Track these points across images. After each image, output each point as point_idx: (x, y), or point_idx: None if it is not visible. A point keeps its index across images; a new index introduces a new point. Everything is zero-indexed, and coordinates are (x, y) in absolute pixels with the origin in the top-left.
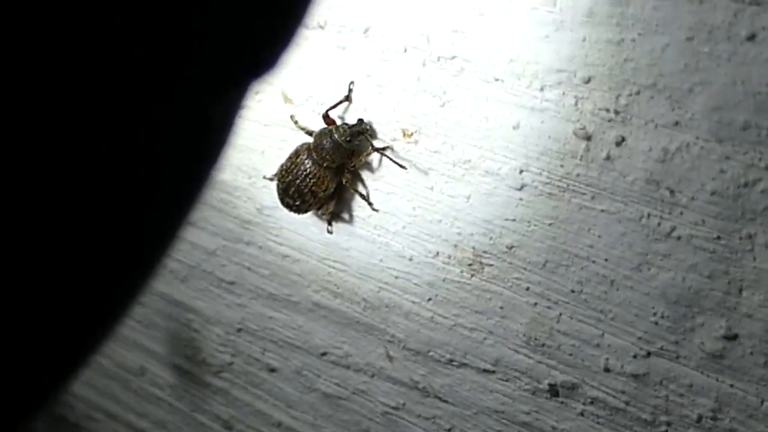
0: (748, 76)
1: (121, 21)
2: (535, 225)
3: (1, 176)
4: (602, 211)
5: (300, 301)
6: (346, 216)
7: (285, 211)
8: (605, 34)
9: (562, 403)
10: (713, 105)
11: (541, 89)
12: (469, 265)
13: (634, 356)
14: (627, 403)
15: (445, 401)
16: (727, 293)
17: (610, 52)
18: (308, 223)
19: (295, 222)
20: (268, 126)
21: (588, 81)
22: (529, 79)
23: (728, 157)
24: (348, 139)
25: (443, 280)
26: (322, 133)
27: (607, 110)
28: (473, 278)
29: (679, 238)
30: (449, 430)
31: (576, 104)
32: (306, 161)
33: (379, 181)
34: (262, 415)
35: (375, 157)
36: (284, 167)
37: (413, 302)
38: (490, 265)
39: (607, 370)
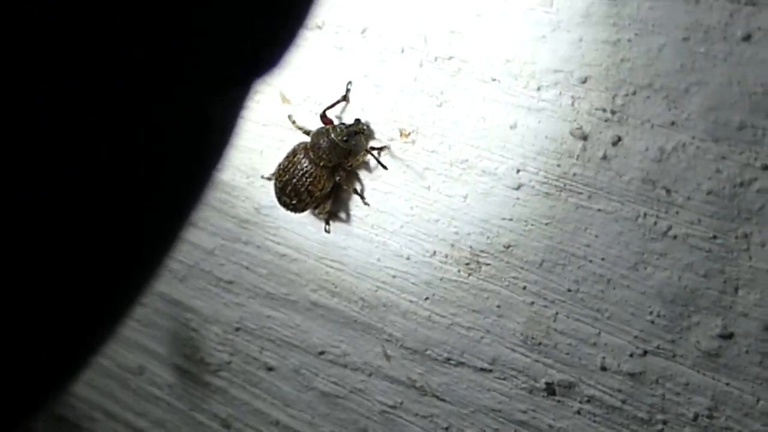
0: (743, 76)
1: (121, 21)
2: (532, 224)
3: (1, 176)
4: (599, 210)
5: (298, 300)
6: (343, 215)
7: (283, 210)
8: (602, 35)
9: (558, 401)
10: (709, 105)
11: (538, 89)
12: (467, 264)
13: (631, 355)
14: (623, 402)
15: (443, 400)
16: (723, 292)
17: (606, 52)
18: (306, 223)
19: (293, 221)
20: (267, 126)
21: (584, 81)
22: (525, 79)
23: (724, 156)
24: (345, 138)
25: (440, 280)
26: (319, 132)
27: (604, 110)
28: (470, 277)
29: (675, 237)
30: (446, 428)
31: (573, 104)
32: (303, 160)
33: (377, 180)
34: (260, 414)
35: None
36: (281, 166)
37: (411, 301)
38: (487, 265)
39: (603, 368)
